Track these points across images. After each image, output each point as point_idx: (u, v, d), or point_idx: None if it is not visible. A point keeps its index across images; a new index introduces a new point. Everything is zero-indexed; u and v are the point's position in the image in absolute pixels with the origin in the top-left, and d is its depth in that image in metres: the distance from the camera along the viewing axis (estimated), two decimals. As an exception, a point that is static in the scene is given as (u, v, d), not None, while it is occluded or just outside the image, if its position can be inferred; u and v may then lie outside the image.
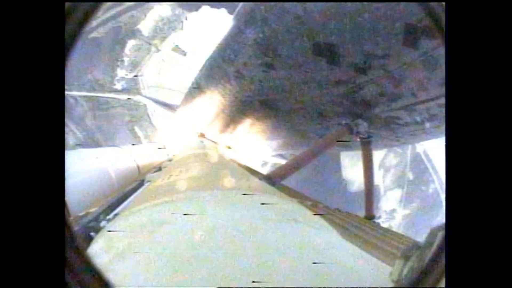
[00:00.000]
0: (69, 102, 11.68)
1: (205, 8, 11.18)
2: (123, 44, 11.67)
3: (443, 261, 0.59)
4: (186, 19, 11.52)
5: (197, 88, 7.33)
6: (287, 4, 3.42)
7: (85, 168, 4.12)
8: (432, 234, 0.66)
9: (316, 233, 1.24)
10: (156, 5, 11.40)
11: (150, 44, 11.74)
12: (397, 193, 15.38)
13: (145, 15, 11.56)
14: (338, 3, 3.06)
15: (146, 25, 11.63)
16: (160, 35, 11.77)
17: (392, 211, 15.36)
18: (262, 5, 3.73)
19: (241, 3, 4.50)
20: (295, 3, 3.34)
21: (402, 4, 2.70)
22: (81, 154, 4.74)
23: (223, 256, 0.82)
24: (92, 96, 11.80)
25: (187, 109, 9.11)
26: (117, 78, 11.80)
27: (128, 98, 11.63)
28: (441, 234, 0.63)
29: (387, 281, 0.69)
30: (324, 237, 1.23)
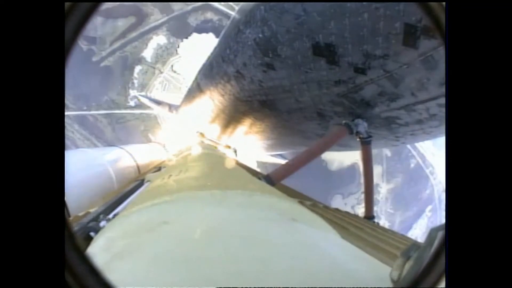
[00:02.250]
0: (89, 120, 14.38)
1: (195, 35, 13.90)
2: (131, 70, 14.45)
3: (443, 261, 0.59)
4: (178, 46, 14.15)
5: (197, 88, 7.34)
6: (287, 4, 3.42)
7: (85, 168, 4.12)
8: (432, 234, 0.66)
9: (316, 233, 1.24)
10: (154, 36, 14.08)
11: (154, 68, 14.43)
12: (377, 169, 15.83)
13: (146, 45, 14.33)
14: (338, 3, 3.06)
15: (148, 53, 14.40)
16: (161, 60, 14.47)
17: (376, 185, 15.77)
18: (262, 5, 3.73)
19: (240, 3, 4.50)
20: (295, 3, 3.34)
21: (402, 4, 2.70)
22: (81, 154, 4.75)
23: (223, 256, 0.82)
24: (110, 113, 14.55)
25: (187, 109, 9.12)
26: (130, 97, 14.60)
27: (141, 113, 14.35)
28: (441, 234, 0.63)
29: (387, 281, 0.69)
30: (324, 237, 1.23)
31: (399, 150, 15.41)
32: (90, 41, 13.71)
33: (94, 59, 13.87)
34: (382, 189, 15.88)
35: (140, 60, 14.28)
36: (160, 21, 13.90)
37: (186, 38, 14.01)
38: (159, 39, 14.19)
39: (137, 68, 14.39)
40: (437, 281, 0.59)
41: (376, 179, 15.65)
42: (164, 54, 14.30)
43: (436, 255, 0.61)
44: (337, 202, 15.19)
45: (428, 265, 0.61)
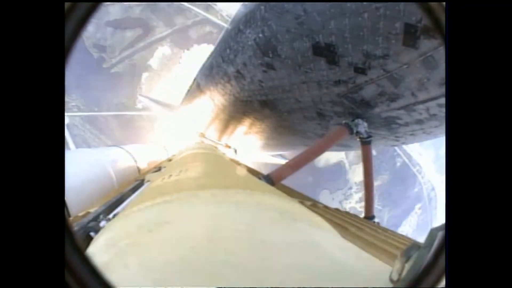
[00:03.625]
0: (100, 121, 15.77)
1: (195, 46, 15.60)
2: (139, 76, 15.99)
3: (443, 261, 0.59)
4: (181, 57, 15.69)
5: (197, 88, 7.34)
6: (287, 4, 3.42)
7: (85, 168, 4.11)
8: (432, 234, 0.66)
9: (317, 232, 1.24)
10: (159, 46, 15.73)
11: (159, 75, 16.00)
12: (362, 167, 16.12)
13: (152, 54, 15.87)
14: (338, 3, 3.06)
15: (154, 61, 15.98)
16: (165, 68, 16.07)
17: (362, 182, 15.92)
18: (262, 5, 3.73)
19: (241, 3, 4.51)
20: (295, 3, 3.34)
21: (402, 4, 2.70)
22: (81, 154, 4.74)
23: (223, 255, 0.82)
24: (120, 115, 16.08)
25: (187, 109, 9.12)
26: (138, 100, 16.08)
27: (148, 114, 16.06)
28: (441, 234, 0.63)
29: (387, 281, 0.69)
30: (324, 236, 1.23)
31: (384, 149, 15.71)
32: (101, 49, 14.96)
33: (105, 65, 15.36)
34: (369, 186, 16.32)
35: (146, 68, 15.95)
36: (164, 33, 15.54)
37: (188, 49, 15.74)
38: (164, 50, 15.88)
39: (144, 75, 16.07)
40: (437, 281, 0.59)
41: (362, 176, 15.92)
42: (169, 63, 15.99)
43: (436, 255, 0.61)
44: (325, 197, 15.63)
45: (428, 265, 0.60)
